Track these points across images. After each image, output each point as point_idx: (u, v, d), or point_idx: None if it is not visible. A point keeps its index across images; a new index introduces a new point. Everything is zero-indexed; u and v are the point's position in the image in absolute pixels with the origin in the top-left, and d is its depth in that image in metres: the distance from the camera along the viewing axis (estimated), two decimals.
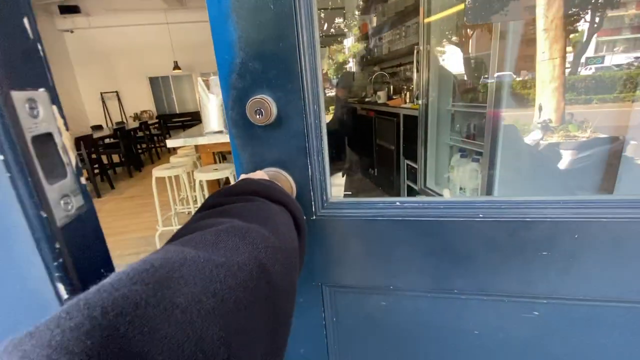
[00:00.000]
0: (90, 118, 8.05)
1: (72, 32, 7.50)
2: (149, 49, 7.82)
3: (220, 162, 3.55)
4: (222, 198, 0.33)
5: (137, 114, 8.30)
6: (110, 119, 8.12)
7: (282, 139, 0.49)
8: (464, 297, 0.53)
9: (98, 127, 5.53)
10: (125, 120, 8.18)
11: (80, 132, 6.63)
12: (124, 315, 0.15)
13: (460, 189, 1.74)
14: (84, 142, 3.75)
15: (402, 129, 2.72)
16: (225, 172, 2.07)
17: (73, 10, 7.14)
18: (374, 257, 0.53)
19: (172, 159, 2.68)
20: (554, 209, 0.45)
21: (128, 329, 0.14)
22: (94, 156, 4.23)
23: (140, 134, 5.79)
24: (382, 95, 3.27)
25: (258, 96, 0.46)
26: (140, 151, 6.04)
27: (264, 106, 0.46)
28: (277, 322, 0.25)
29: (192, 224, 0.28)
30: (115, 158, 4.95)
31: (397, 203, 0.50)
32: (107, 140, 5.00)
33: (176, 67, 7.33)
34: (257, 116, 0.47)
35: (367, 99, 3.86)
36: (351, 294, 0.58)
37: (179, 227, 1.87)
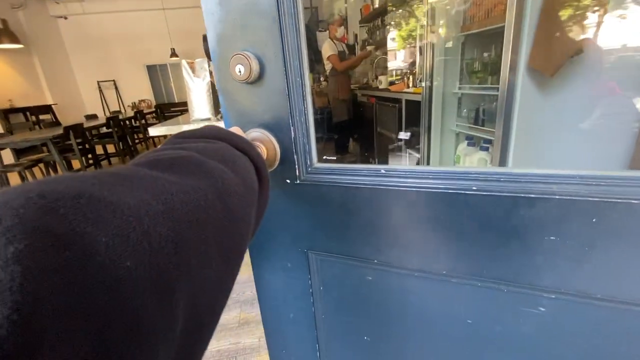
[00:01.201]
0: (88, 108, 7.91)
1: (66, 18, 7.30)
2: (146, 36, 7.62)
3: None
4: (181, 139, 0.30)
5: (135, 103, 8.14)
6: (108, 109, 7.98)
7: (265, 98, 0.47)
8: (455, 281, 0.47)
9: (92, 117, 5.40)
10: (123, 110, 8.04)
11: (71, 122, 6.53)
12: (64, 199, 0.14)
13: None
14: (73, 132, 3.61)
15: (404, 115, 2.54)
16: None
17: None
18: (357, 227, 0.51)
19: None
20: (567, 185, 0.37)
21: (69, 211, 0.14)
22: (87, 146, 4.11)
23: (136, 123, 5.64)
24: (383, 80, 3.08)
25: (239, 52, 0.45)
26: (137, 141, 5.92)
27: (244, 62, 0.44)
28: (230, 247, 0.24)
29: (145, 156, 0.25)
30: (112, 148, 4.82)
31: (382, 171, 0.46)
32: (103, 130, 4.87)
33: (173, 54, 7.13)
34: (238, 73, 0.45)
35: (367, 85, 3.68)
36: (337, 264, 0.56)
37: None
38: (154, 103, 8.23)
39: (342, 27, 3.49)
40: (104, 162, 5.01)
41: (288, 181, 0.52)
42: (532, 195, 0.38)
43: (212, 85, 2.09)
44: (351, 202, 0.49)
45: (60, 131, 3.49)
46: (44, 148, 3.54)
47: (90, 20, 7.39)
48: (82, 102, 7.92)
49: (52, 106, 6.77)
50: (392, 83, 3.03)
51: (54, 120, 6.71)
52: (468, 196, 0.41)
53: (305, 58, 0.46)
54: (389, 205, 0.47)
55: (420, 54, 2.22)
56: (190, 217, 0.20)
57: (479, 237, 0.43)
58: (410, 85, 2.58)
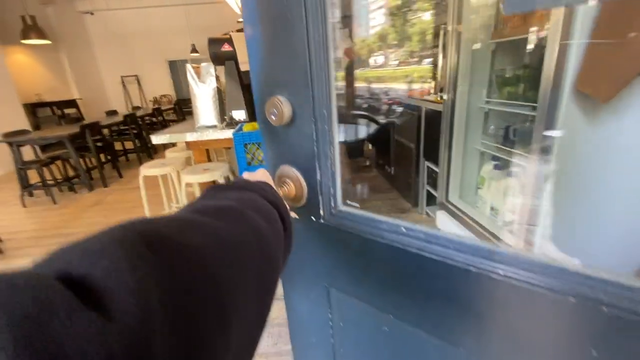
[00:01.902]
0: (111, 102, 8.10)
1: (92, 14, 7.46)
2: (167, 31, 7.67)
3: (216, 159, 3.33)
4: (218, 190, 0.34)
5: (156, 98, 8.26)
6: (131, 103, 8.14)
7: (295, 139, 0.51)
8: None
9: (113, 112, 5.47)
10: (145, 105, 8.17)
11: (94, 117, 6.67)
12: (152, 236, 0.18)
13: (492, 209, 1.39)
14: (90, 130, 3.64)
15: (423, 125, 2.35)
16: (215, 173, 1.82)
17: None
18: (376, 278, 0.51)
19: (168, 153, 2.48)
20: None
21: (157, 246, 0.18)
22: (100, 144, 4.14)
23: (153, 120, 5.69)
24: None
25: (274, 97, 0.48)
26: None
27: (277, 107, 0.48)
28: (266, 285, 0.27)
29: (194, 204, 0.29)
30: (130, 144, 4.87)
31: (403, 229, 0.45)
32: (122, 126, 4.92)
33: (194, 50, 7.14)
34: (272, 117, 0.49)
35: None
36: (356, 306, 0.56)
37: None
38: (174, 98, 8.31)
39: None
40: (122, 159, 5.08)
41: (313, 219, 0.54)
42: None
43: (219, 90, 1.99)
44: (370, 253, 0.50)
45: (77, 130, 3.52)
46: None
47: (114, 16, 7.51)
48: (106, 96, 8.11)
49: (77, 100, 6.95)
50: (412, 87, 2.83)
51: (79, 114, 6.90)
52: (494, 279, 0.37)
53: (334, 109, 0.47)
54: (407, 268, 0.46)
55: (444, 56, 2.01)
56: (240, 259, 0.24)
57: (503, 323, 0.39)
58: (432, 91, 2.37)
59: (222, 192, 0.34)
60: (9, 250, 2.45)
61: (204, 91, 1.96)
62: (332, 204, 0.51)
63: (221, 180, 1.84)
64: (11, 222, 3.02)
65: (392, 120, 2.92)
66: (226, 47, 1.77)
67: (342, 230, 0.51)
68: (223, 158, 3.60)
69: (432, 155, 2.30)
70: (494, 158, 1.46)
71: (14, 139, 3.41)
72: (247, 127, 1.63)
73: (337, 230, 0.52)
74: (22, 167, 3.36)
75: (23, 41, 5.10)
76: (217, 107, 2.00)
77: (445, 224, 1.63)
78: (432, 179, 2.31)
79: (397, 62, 2.89)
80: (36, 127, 6.07)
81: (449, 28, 1.58)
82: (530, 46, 1.18)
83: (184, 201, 1.89)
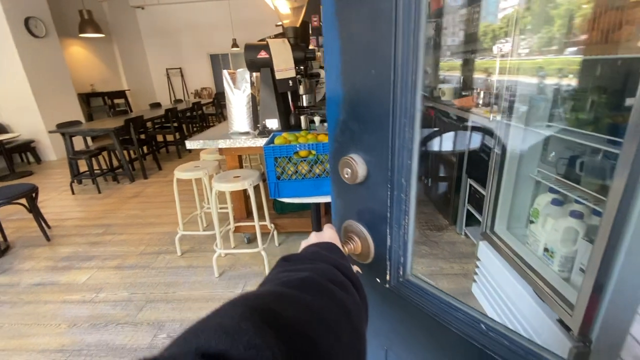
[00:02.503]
0: (157, 93, 8.50)
1: (143, 8, 7.82)
2: (210, 26, 7.86)
3: (249, 163, 3.31)
4: (293, 263, 0.36)
5: (197, 90, 8.54)
6: (174, 95, 8.48)
7: (367, 200, 0.50)
8: None
9: (157, 105, 5.71)
10: (187, 97, 8.49)
11: (140, 108, 7.01)
12: (262, 303, 0.23)
13: (546, 250, 1.22)
14: (133, 124, 3.80)
15: (469, 137, 2.16)
16: (246, 182, 1.79)
17: None
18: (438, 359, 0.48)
19: (203, 154, 2.50)
20: None
21: (264, 315, 0.21)
22: (143, 136, 4.33)
23: (193, 114, 5.87)
24: (446, 91, 2.66)
25: (349, 155, 0.48)
26: (195, 129, 6.18)
27: (352, 167, 0.48)
28: (353, 351, 0.28)
29: (275, 278, 0.32)
30: (171, 137, 5.07)
31: (483, 327, 0.40)
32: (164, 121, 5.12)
33: (234, 44, 7.26)
34: (345, 175, 0.49)
35: (426, 93, 3.23)
36: None
37: (204, 229, 2.54)
38: (214, 91, 8.54)
39: None
40: (162, 150, 5.30)
41: (377, 280, 0.53)
42: None
43: (253, 97, 1.94)
44: (437, 336, 0.46)
45: (122, 123, 3.69)
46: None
47: (162, 10, 7.82)
48: (152, 88, 8.52)
49: (126, 92, 7.36)
50: (460, 95, 2.62)
51: (127, 105, 7.31)
52: None
53: (414, 180, 0.45)
54: None
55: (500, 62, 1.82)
56: (333, 330, 0.25)
57: None
58: (481, 103, 2.17)
59: (296, 264, 0.35)
60: (56, 238, 2.63)
61: (238, 97, 1.93)
62: (400, 272, 0.50)
63: (250, 190, 1.81)
64: (61, 208, 3.25)
65: (436, 128, 2.73)
66: (263, 54, 1.72)
67: (409, 302, 0.49)
68: (256, 163, 3.61)
69: (476, 173, 2.11)
70: (552, 190, 1.28)
71: (67, 130, 3.65)
72: (279, 140, 1.57)
73: (403, 300, 0.50)
74: (72, 157, 3.60)
75: (80, 35, 5.46)
76: (250, 114, 1.97)
77: (489, 259, 1.48)
78: (475, 199, 2.13)
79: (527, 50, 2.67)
80: (89, 116, 6.52)
81: (511, 32, 1.39)
82: (616, 67, 1.00)
83: (214, 205, 1.88)
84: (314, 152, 1.53)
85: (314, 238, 0.47)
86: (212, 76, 8.55)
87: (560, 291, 1.09)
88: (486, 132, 1.78)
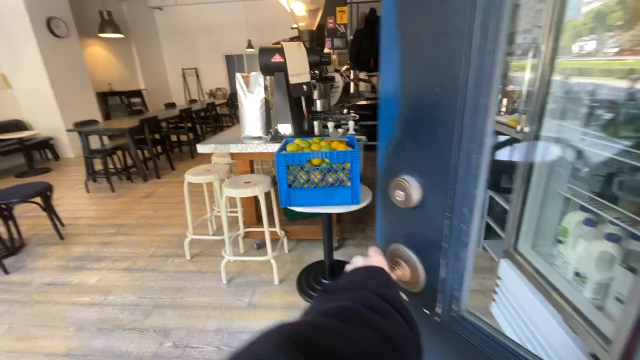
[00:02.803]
0: (173, 93, 8.61)
1: (161, 9, 7.93)
2: (226, 26, 7.91)
3: (261, 167, 3.27)
4: (335, 293, 0.35)
5: (212, 90, 8.61)
6: (190, 95, 8.58)
7: (421, 227, 0.47)
8: None
9: (171, 105, 5.77)
10: (202, 97, 8.57)
11: (156, 107, 7.10)
12: (302, 340, 0.22)
13: (577, 275, 1.12)
14: (147, 124, 3.83)
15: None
16: (256, 188, 1.75)
17: None
18: None
19: (215, 157, 2.48)
20: None
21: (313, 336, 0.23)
22: (157, 136, 4.36)
23: (207, 114, 5.90)
24: None
25: (402, 177, 0.46)
26: (209, 129, 6.21)
27: (405, 190, 0.45)
28: None
29: (316, 308, 0.32)
30: (184, 137, 5.11)
31: None
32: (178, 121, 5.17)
33: (249, 45, 7.27)
34: (397, 197, 0.47)
35: None
36: None
37: (214, 233, 2.48)
38: (228, 92, 8.59)
39: None
40: (176, 150, 5.35)
41: (426, 312, 0.50)
42: None
43: (266, 101, 1.90)
44: None
45: (137, 123, 3.72)
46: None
47: (179, 11, 7.91)
48: (168, 87, 8.63)
49: (142, 91, 7.47)
50: None
51: (143, 104, 7.42)
52: None
53: (478, 210, 0.42)
54: None
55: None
56: (373, 358, 0.25)
57: None
58: (504, 109, 2.06)
59: (336, 293, 0.35)
60: (69, 237, 2.65)
61: (251, 101, 1.89)
62: (454, 307, 0.47)
63: (261, 197, 1.76)
64: (75, 206, 3.29)
65: None
66: (277, 58, 1.67)
67: (461, 340, 0.45)
68: (267, 165, 3.57)
69: (497, 184, 2.01)
70: (584, 209, 1.18)
71: (84, 129, 3.70)
72: (291, 147, 1.52)
73: (454, 337, 0.47)
74: (88, 156, 3.65)
75: (100, 35, 5.57)
76: (263, 119, 1.92)
77: (511, 279, 1.39)
78: (495, 212, 2.03)
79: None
80: (106, 114, 6.65)
81: (544, 27, 1.30)
82: None
83: (224, 211, 1.85)
84: (327, 160, 1.47)
85: (360, 262, 0.45)
86: (226, 77, 8.60)
87: (594, 321, 1.00)
88: (510, 141, 1.69)
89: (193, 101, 6.85)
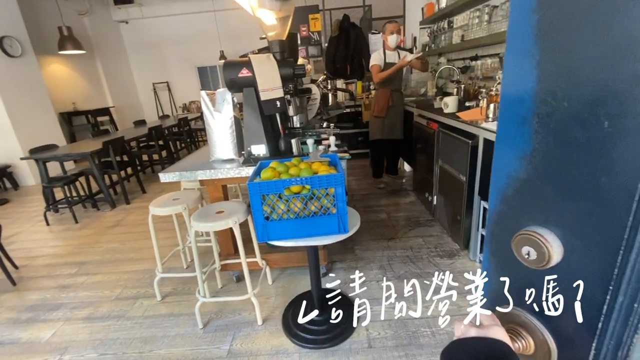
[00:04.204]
0: (144, 109, 8.23)
1: (127, 22, 7.59)
2: (197, 38, 7.66)
3: (239, 191, 3.04)
4: None
5: (185, 104, 8.29)
6: (162, 110, 8.22)
7: (560, 293, 0.38)
8: None
9: (141, 122, 5.44)
10: (175, 111, 8.23)
11: (126, 125, 6.73)
12: None
13: None
14: (112, 146, 3.54)
15: (480, 156, 1.94)
16: (230, 220, 1.54)
17: (127, 0, 7.17)
18: None
19: (184, 182, 2.24)
20: None
21: None
22: (125, 157, 4.06)
23: (180, 130, 5.62)
24: (450, 103, 2.46)
25: (532, 229, 0.38)
26: (183, 146, 5.91)
27: (539, 249, 0.37)
28: None
29: None
30: (156, 156, 4.80)
31: None
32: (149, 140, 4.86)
33: (222, 56, 7.04)
34: (525, 254, 0.39)
35: (424, 100, 2.97)
36: None
37: (187, 266, 2.27)
38: None
39: (395, 35, 2.91)
40: (148, 170, 5.03)
41: None
42: None
43: (236, 120, 1.71)
44: None
45: (100, 146, 3.42)
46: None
47: (147, 24, 7.59)
48: (139, 103, 8.24)
49: (110, 109, 7.08)
50: (464, 107, 2.40)
51: (112, 122, 7.03)
52: None
53: None
54: None
55: None
56: None
57: None
58: (491, 115, 1.95)
59: None
60: (23, 281, 2.34)
61: (219, 121, 1.69)
62: None
63: (236, 229, 1.55)
64: (33, 243, 2.96)
65: (436, 145, 2.51)
66: (244, 73, 1.49)
67: None
68: (244, 191, 3.34)
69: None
70: None
71: (40, 156, 3.37)
72: (266, 173, 1.33)
73: None
74: (47, 185, 3.32)
75: (60, 52, 5.21)
76: (234, 139, 1.73)
77: None
78: None
79: None
80: (71, 135, 6.22)
81: None
82: None
83: (194, 247, 1.63)
84: (308, 187, 1.29)
85: (473, 332, 0.37)
86: (200, 89, 8.32)
87: None
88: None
89: (165, 116, 6.54)
